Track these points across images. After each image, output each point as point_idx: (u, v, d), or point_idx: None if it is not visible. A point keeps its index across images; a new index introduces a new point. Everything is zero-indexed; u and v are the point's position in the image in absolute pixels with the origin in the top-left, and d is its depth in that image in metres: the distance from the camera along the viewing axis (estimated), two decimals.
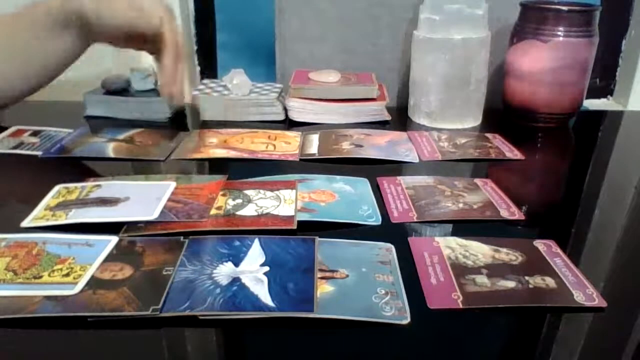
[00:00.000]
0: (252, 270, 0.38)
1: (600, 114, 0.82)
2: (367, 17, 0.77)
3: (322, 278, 0.37)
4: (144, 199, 0.47)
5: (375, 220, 0.46)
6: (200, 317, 0.34)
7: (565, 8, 0.66)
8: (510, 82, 0.72)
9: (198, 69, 0.88)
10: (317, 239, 0.42)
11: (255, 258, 0.39)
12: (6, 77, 0.59)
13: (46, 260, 0.38)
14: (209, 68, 0.89)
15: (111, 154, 0.59)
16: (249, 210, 0.46)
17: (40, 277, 0.37)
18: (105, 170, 0.54)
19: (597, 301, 0.36)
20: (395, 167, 0.58)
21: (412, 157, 0.60)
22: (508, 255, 0.41)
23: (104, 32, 0.59)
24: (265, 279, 0.37)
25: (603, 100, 0.88)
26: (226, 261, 0.39)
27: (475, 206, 0.49)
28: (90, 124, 0.69)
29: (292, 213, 0.46)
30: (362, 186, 0.52)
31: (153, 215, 0.45)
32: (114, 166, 0.57)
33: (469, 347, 0.34)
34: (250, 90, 0.71)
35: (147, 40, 0.60)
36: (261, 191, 0.50)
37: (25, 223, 0.44)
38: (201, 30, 0.90)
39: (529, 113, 0.71)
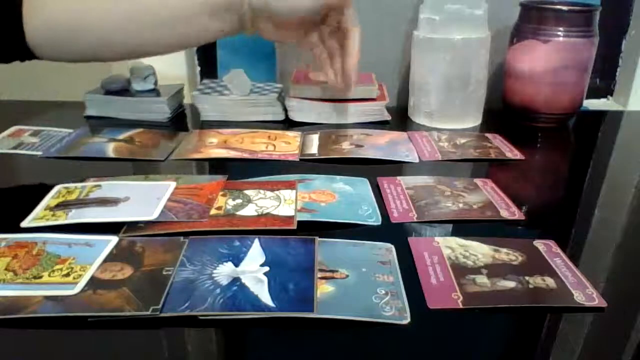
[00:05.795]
0: (252, 270, 0.38)
1: (600, 114, 0.82)
2: (367, 17, 0.77)
3: (322, 278, 0.37)
4: (144, 199, 0.47)
5: (375, 220, 0.46)
6: (200, 317, 0.34)
7: (565, 8, 0.66)
8: (510, 82, 0.72)
9: (198, 69, 0.88)
10: (317, 239, 0.42)
11: (255, 258, 0.39)
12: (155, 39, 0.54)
13: (46, 260, 0.38)
14: (209, 68, 0.89)
15: (111, 154, 0.59)
16: (249, 210, 0.46)
17: (40, 277, 0.37)
18: (105, 170, 0.54)
19: (597, 301, 0.36)
20: (395, 167, 0.58)
21: (412, 157, 0.60)
22: (508, 255, 0.41)
23: (277, 20, 0.55)
24: (265, 279, 0.37)
25: (603, 100, 0.88)
26: (226, 261, 0.39)
27: (475, 206, 0.49)
28: (90, 124, 0.69)
29: (292, 213, 0.46)
30: (362, 186, 0.52)
31: (153, 215, 0.45)
32: (114, 166, 0.57)
33: (469, 347, 0.34)
34: (250, 90, 0.71)
35: (323, 21, 0.58)
36: (261, 191, 0.50)
37: (25, 223, 0.44)
38: None
39: (529, 113, 0.71)
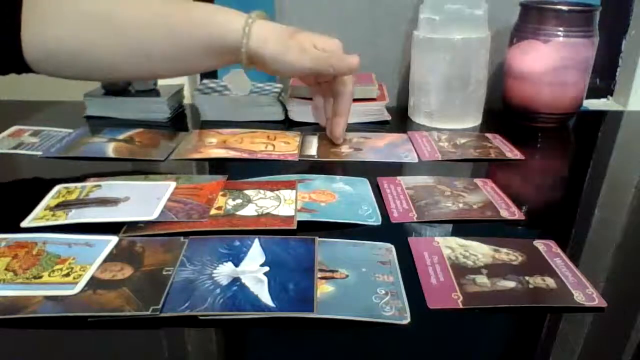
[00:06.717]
0: (252, 270, 0.38)
1: (600, 114, 0.82)
2: (367, 17, 0.77)
3: (322, 278, 0.37)
4: (144, 199, 0.47)
5: (375, 220, 0.46)
6: (200, 317, 0.34)
7: (565, 8, 0.66)
8: (510, 82, 0.72)
9: None
10: (317, 239, 0.42)
11: (255, 258, 0.39)
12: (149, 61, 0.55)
13: (46, 260, 0.38)
14: None
15: (111, 154, 0.59)
16: (249, 210, 0.46)
17: (40, 277, 0.37)
18: (105, 170, 0.54)
19: (597, 301, 0.36)
20: (395, 167, 0.58)
21: (412, 157, 0.60)
22: (508, 255, 0.41)
23: (277, 72, 0.58)
24: (265, 279, 0.37)
25: (603, 100, 0.88)
26: (226, 261, 0.39)
27: (475, 206, 0.49)
28: (90, 124, 0.69)
29: (292, 213, 0.46)
30: (362, 186, 0.52)
31: (153, 215, 0.45)
32: (114, 166, 0.57)
33: (469, 347, 0.34)
34: (250, 90, 0.71)
35: (322, 81, 0.61)
36: (261, 191, 0.50)
37: (25, 223, 0.44)
38: None
39: (529, 113, 0.71)
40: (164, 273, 0.37)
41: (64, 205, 0.46)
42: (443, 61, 0.67)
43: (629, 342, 0.34)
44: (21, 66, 0.53)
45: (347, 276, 0.38)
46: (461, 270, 0.39)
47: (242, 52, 0.53)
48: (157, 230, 0.43)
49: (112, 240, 0.41)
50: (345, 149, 0.62)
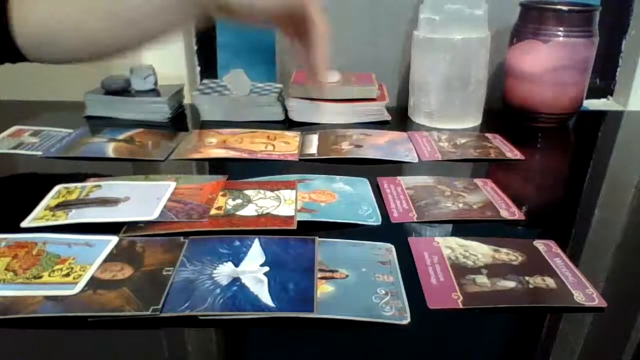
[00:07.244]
0: (252, 270, 0.38)
1: (600, 114, 0.82)
2: (367, 17, 0.77)
3: (322, 278, 0.37)
4: (144, 199, 0.47)
5: (375, 220, 0.46)
6: (200, 317, 0.34)
7: (565, 8, 0.66)
8: (510, 82, 0.72)
9: (198, 69, 0.88)
10: (317, 239, 0.42)
11: (255, 258, 0.39)
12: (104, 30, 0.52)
13: (46, 260, 0.38)
14: (209, 68, 0.89)
15: (111, 154, 0.59)
16: (249, 211, 0.46)
17: (40, 277, 0.37)
18: (105, 170, 0.54)
19: (597, 301, 0.36)
20: (395, 167, 0.58)
21: (412, 157, 0.60)
22: (508, 255, 0.41)
23: (248, 18, 0.53)
24: (265, 279, 0.37)
25: (603, 100, 0.88)
26: (226, 261, 0.39)
27: (475, 206, 0.49)
28: (90, 124, 0.69)
29: (292, 213, 0.46)
30: (362, 186, 0.52)
31: (153, 215, 0.45)
32: (114, 166, 0.57)
33: (469, 347, 0.34)
34: (250, 90, 0.71)
35: (292, 22, 0.55)
36: (261, 191, 0.50)
37: (25, 223, 0.44)
38: (201, 30, 0.90)
39: (529, 113, 0.71)
40: (164, 273, 0.37)
41: (64, 205, 0.46)
42: (443, 61, 0.67)
43: (629, 342, 0.34)
44: (14, 54, 0.53)
45: (347, 276, 0.38)
46: (461, 270, 0.39)
47: (210, 2, 0.52)
48: (157, 230, 0.43)
49: (112, 240, 0.41)
50: (345, 145, 0.62)
